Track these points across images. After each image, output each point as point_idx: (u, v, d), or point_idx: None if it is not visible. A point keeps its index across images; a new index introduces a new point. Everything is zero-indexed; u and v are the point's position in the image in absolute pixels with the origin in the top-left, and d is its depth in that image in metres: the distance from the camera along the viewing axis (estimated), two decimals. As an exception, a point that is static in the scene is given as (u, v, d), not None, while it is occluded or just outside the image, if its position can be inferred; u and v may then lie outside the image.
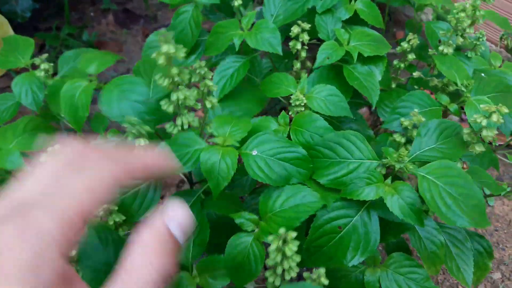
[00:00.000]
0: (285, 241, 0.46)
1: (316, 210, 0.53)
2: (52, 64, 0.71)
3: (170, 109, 0.53)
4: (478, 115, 0.55)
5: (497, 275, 0.91)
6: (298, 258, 0.49)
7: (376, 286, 0.63)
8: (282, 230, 0.46)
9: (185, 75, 0.51)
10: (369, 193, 0.54)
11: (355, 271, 0.65)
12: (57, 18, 1.49)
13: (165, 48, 0.47)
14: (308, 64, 0.77)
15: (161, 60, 0.47)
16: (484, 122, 0.55)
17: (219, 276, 0.55)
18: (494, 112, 0.54)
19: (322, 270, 0.52)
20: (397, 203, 0.53)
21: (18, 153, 0.59)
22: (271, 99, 0.87)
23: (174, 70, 0.48)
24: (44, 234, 0.21)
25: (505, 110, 0.53)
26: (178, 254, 0.25)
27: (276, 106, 0.97)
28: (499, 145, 0.86)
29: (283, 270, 0.51)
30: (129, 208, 0.58)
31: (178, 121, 0.54)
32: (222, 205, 0.60)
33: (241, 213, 0.55)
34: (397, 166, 0.55)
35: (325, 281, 0.52)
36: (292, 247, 0.46)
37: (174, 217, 0.26)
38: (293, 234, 0.46)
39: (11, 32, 1.07)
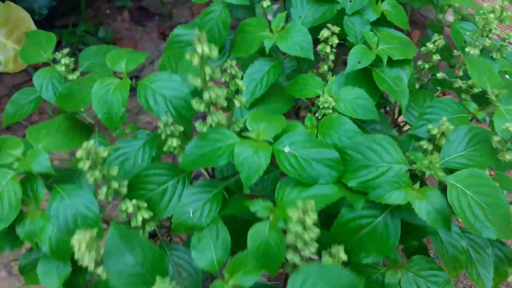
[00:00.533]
0: (305, 211, 0.46)
1: (333, 201, 0.53)
2: (73, 59, 0.72)
3: (202, 108, 0.54)
4: (510, 123, 0.55)
5: (512, 279, 0.92)
6: (317, 230, 0.48)
7: (397, 288, 0.64)
8: (299, 202, 0.46)
9: (218, 74, 0.52)
10: (397, 197, 0.54)
11: (376, 272, 0.66)
12: (73, 15, 1.50)
13: (199, 49, 0.47)
14: (330, 63, 0.77)
15: (195, 61, 0.48)
16: (515, 131, 0.55)
17: (250, 271, 0.55)
18: (525, 122, 0.54)
19: (341, 247, 0.52)
20: (425, 208, 0.54)
21: (46, 155, 0.58)
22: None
23: (208, 70, 0.49)
24: None
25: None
26: None
27: (295, 108, 0.97)
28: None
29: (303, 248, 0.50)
30: (157, 204, 0.59)
31: (209, 120, 0.54)
32: (241, 206, 0.60)
33: (255, 200, 0.56)
34: (427, 172, 0.55)
35: (344, 256, 0.51)
36: (312, 215, 0.45)
37: None
38: (312, 202, 0.46)
39: (33, 27, 1.08)
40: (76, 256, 0.50)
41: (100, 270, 0.57)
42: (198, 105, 0.52)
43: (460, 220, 0.51)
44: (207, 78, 0.52)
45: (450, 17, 1.12)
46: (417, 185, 0.56)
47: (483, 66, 0.67)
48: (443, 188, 0.57)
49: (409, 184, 0.56)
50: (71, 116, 0.66)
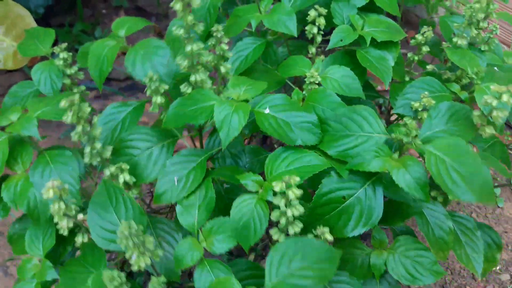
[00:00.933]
0: (289, 186, 0.47)
1: (320, 170, 0.53)
2: (71, 54, 0.73)
3: (185, 63, 0.55)
4: (489, 96, 0.56)
5: (505, 277, 0.90)
6: (301, 208, 0.49)
7: (382, 269, 0.63)
8: (286, 176, 0.47)
9: (200, 26, 0.53)
10: (376, 165, 0.55)
11: (361, 253, 0.65)
12: (70, 15, 1.52)
13: None
14: (322, 56, 0.79)
15: (178, 6, 0.49)
16: (495, 103, 0.55)
17: (225, 239, 0.56)
18: (505, 92, 0.54)
19: (326, 229, 0.53)
20: (403, 177, 0.54)
21: (35, 122, 0.60)
22: (284, 90, 0.89)
23: (190, 17, 0.50)
24: None
25: (515, 90, 0.54)
26: None
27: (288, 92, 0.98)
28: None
29: (287, 226, 0.51)
30: (142, 170, 0.60)
31: (192, 78, 0.56)
32: (227, 174, 0.61)
33: (246, 174, 0.56)
34: (405, 139, 0.55)
35: (330, 237, 0.52)
36: (295, 191, 0.47)
37: None
38: (296, 178, 0.47)
39: (33, 24, 1.09)
40: (51, 211, 0.51)
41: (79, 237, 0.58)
42: (182, 61, 0.54)
43: (438, 183, 0.51)
44: (191, 33, 0.53)
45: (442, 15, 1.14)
46: (396, 155, 0.57)
47: (463, 52, 0.69)
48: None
49: (388, 154, 0.56)
50: (75, 94, 0.68)
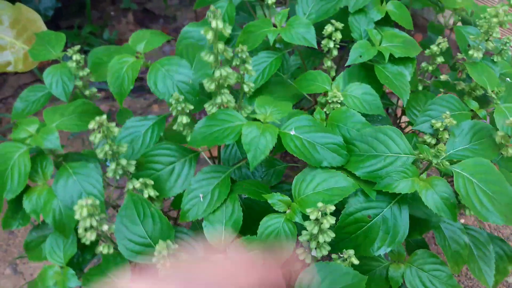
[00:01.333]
0: (324, 214, 0.47)
1: (349, 193, 0.54)
2: (83, 56, 0.72)
3: (212, 86, 0.55)
4: (510, 120, 0.57)
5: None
6: (332, 234, 0.50)
7: (400, 281, 0.64)
8: (321, 204, 0.47)
9: (229, 53, 0.53)
10: (405, 187, 0.55)
11: (379, 266, 0.66)
12: (79, 17, 1.50)
13: (213, 23, 0.49)
14: (333, 65, 0.79)
15: (209, 36, 0.49)
16: (517, 124, 0.56)
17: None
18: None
19: (351, 251, 0.53)
20: (432, 197, 0.54)
21: (57, 134, 0.59)
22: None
23: (220, 45, 0.50)
24: None
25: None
26: None
27: (298, 106, 0.98)
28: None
29: (315, 248, 0.52)
30: (164, 184, 0.60)
31: (218, 99, 0.55)
32: (252, 189, 0.61)
33: (273, 194, 0.56)
34: (434, 161, 0.56)
35: (356, 261, 0.53)
36: (330, 220, 0.47)
37: None
38: (332, 207, 0.48)
39: (44, 28, 1.08)
40: (78, 226, 0.50)
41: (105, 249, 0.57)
42: (208, 84, 0.53)
43: (466, 205, 0.52)
44: (219, 57, 0.53)
45: (450, 18, 1.15)
46: (424, 175, 0.57)
47: (482, 68, 0.70)
48: (448, 180, 0.58)
49: (416, 174, 0.57)
50: (88, 102, 0.67)
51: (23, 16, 1.03)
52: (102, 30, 1.47)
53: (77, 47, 0.72)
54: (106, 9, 1.58)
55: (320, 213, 0.47)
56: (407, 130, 0.89)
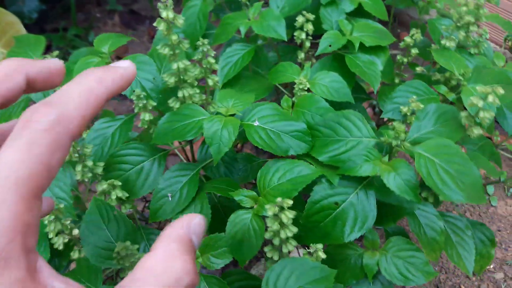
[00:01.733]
0: (282, 208, 0.48)
1: (312, 179, 0.54)
2: (62, 61, 0.74)
3: (172, 80, 0.56)
4: (475, 96, 0.56)
5: (499, 275, 0.91)
6: (295, 229, 0.50)
7: (375, 269, 0.64)
8: (279, 199, 0.48)
9: (185, 44, 0.53)
10: (366, 170, 0.55)
11: (354, 254, 0.66)
12: (64, 19, 1.52)
13: (164, 14, 0.49)
14: (313, 60, 0.80)
15: (161, 27, 0.50)
16: (481, 104, 0.56)
17: (221, 254, 0.56)
18: (490, 93, 0.55)
19: (319, 245, 0.54)
20: (393, 180, 0.54)
21: None
22: (276, 95, 0.89)
23: (174, 37, 0.51)
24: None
25: (500, 91, 0.54)
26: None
27: (277, 102, 0.99)
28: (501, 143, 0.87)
29: (281, 245, 0.52)
30: (133, 184, 0.60)
31: (180, 94, 0.56)
32: (221, 187, 0.61)
33: (240, 190, 0.57)
34: (394, 142, 0.56)
35: (323, 255, 0.53)
36: (288, 214, 0.47)
37: (195, 228, 0.25)
38: (289, 201, 0.48)
39: (23, 31, 1.10)
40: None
41: (75, 254, 0.58)
42: (168, 78, 0.54)
43: (428, 185, 0.52)
44: (176, 51, 0.54)
45: (434, 17, 1.14)
46: (386, 158, 0.57)
47: (449, 54, 0.70)
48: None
49: (378, 158, 0.57)
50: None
51: (2, 19, 1.05)
52: (88, 33, 1.49)
53: (56, 52, 0.74)
54: (91, 11, 1.59)
55: (277, 208, 0.47)
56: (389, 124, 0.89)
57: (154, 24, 0.49)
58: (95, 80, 0.23)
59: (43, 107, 0.21)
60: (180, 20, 0.49)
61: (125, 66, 0.25)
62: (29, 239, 0.20)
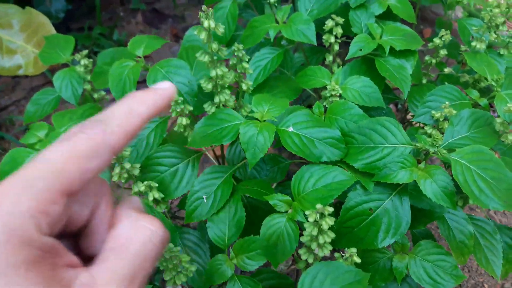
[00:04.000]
0: (322, 215, 0.48)
1: (348, 186, 0.54)
2: (91, 60, 0.75)
3: (209, 86, 0.56)
4: (511, 104, 0.57)
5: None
6: (332, 234, 0.51)
7: (404, 272, 0.64)
8: (319, 205, 0.48)
9: (223, 51, 0.54)
10: (403, 177, 0.55)
11: (383, 257, 0.66)
12: (89, 18, 1.54)
13: (206, 23, 0.50)
14: (338, 60, 0.80)
15: (203, 36, 0.50)
16: (517, 111, 0.56)
17: (255, 256, 0.57)
18: (527, 101, 0.55)
19: (353, 249, 0.54)
20: (430, 186, 0.55)
21: None
22: (300, 96, 0.89)
23: (214, 45, 0.51)
24: (17, 210, 0.21)
25: (537, 98, 0.54)
26: None
27: (304, 103, 0.99)
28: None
29: (317, 247, 0.53)
30: (168, 186, 0.61)
31: (216, 99, 0.57)
32: (254, 190, 0.62)
33: (274, 194, 0.57)
34: (431, 150, 0.56)
35: (358, 260, 0.53)
36: (329, 221, 0.48)
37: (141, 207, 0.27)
38: (330, 209, 0.48)
39: (53, 31, 1.12)
40: None
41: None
42: (206, 84, 0.55)
43: (465, 193, 0.52)
44: (215, 57, 0.54)
45: (459, 13, 1.13)
46: (422, 165, 0.57)
47: (481, 57, 0.69)
48: (447, 168, 0.59)
49: (414, 164, 0.57)
50: (95, 105, 0.69)
51: (33, 19, 1.07)
52: (112, 31, 1.50)
53: (85, 52, 0.75)
54: (115, 10, 1.61)
55: (318, 214, 0.48)
56: (415, 124, 0.89)
57: (195, 33, 0.50)
58: (137, 102, 0.27)
59: (91, 122, 0.25)
60: (221, 29, 0.49)
61: (165, 87, 0.28)
62: (43, 225, 0.22)
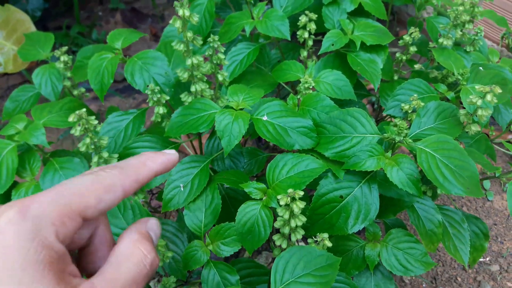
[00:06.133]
0: (293, 199, 0.50)
1: (319, 173, 0.56)
2: (71, 57, 0.75)
3: (185, 75, 0.58)
4: (473, 95, 0.59)
5: (495, 268, 0.94)
6: (304, 218, 0.53)
7: (376, 260, 0.66)
8: (290, 190, 0.50)
9: (198, 40, 0.56)
10: (371, 165, 0.58)
11: (356, 246, 0.68)
12: (67, 17, 1.53)
13: (180, 12, 0.51)
14: (314, 57, 0.82)
15: (178, 24, 0.52)
16: (479, 102, 0.59)
17: (230, 242, 0.59)
18: (489, 92, 0.58)
19: (325, 234, 0.56)
20: (397, 174, 0.57)
21: (43, 130, 0.62)
22: (277, 90, 0.92)
23: (189, 34, 0.53)
24: (43, 216, 0.26)
25: (498, 90, 0.57)
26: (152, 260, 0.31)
27: (282, 97, 1.01)
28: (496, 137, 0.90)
29: (290, 233, 0.54)
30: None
31: (192, 88, 0.58)
32: (231, 179, 0.64)
33: (250, 182, 0.59)
34: (397, 139, 0.58)
35: (329, 244, 0.55)
36: (299, 204, 0.50)
37: (152, 226, 0.33)
38: (301, 192, 0.50)
39: (33, 28, 1.12)
40: None
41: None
42: (182, 73, 0.56)
43: (429, 179, 0.55)
44: (190, 46, 0.56)
45: (431, 14, 1.17)
46: (389, 153, 0.60)
47: (448, 53, 0.73)
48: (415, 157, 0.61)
49: (382, 153, 0.60)
50: (75, 99, 0.70)
51: (13, 17, 1.07)
52: (90, 30, 1.50)
53: (64, 48, 0.76)
54: (94, 9, 1.61)
55: (289, 198, 0.50)
56: (387, 119, 0.91)
57: (170, 22, 0.51)
58: (148, 159, 0.33)
59: (111, 166, 0.31)
60: (196, 18, 0.51)
61: (172, 153, 0.35)
62: (60, 234, 0.27)
